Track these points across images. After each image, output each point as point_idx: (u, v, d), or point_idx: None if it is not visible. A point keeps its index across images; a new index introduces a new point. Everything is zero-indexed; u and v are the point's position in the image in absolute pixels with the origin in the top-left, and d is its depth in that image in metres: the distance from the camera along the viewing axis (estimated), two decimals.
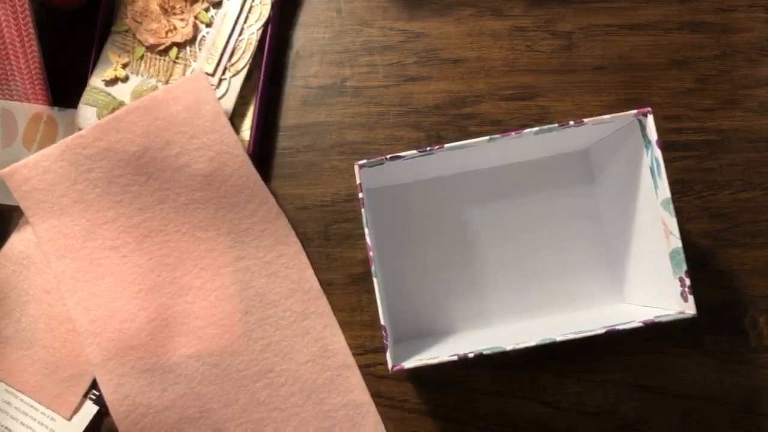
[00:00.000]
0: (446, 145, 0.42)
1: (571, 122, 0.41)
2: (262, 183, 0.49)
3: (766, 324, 0.49)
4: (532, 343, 0.40)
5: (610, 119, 0.41)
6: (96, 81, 0.50)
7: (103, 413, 0.49)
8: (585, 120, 0.41)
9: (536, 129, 0.41)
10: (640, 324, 0.40)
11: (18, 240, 0.50)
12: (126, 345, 0.47)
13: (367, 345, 0.49)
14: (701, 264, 0.50)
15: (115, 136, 0.48)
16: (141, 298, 0.48)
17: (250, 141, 0.50)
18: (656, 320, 0.40)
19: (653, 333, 0.49)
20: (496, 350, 0.40)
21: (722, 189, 0.51)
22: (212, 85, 0.50)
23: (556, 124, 0.41)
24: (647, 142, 0.41)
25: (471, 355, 0.42)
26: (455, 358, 0.41)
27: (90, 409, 0.48)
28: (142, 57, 0.51)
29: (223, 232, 0.49)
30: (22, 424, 0.48)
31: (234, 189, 0.49)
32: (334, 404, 0.48)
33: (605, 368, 0.49)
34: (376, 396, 0.49)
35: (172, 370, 0.47)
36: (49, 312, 0.49)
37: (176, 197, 0.49)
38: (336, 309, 0.50)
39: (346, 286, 0.50)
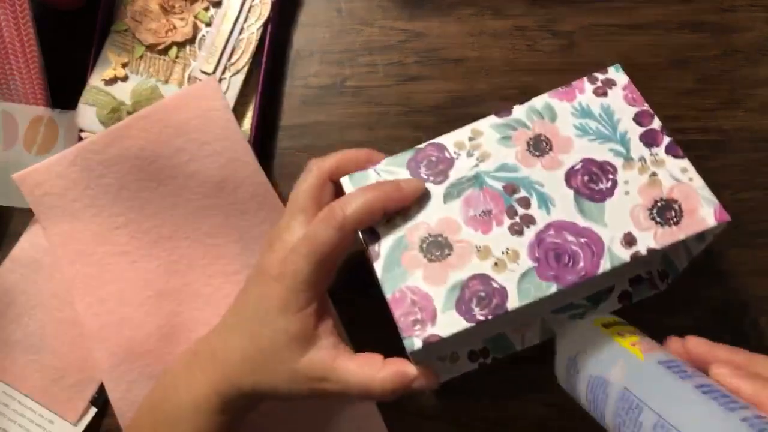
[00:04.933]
0: (509, 307, 0.35)
1: (644, 252, 0.36)
2: (273, 190, 0.49)
3: (767, 325, 0.49)
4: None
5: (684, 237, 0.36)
6: (96, 80, 0.50)
7: (102, 415, 0.49)
8: (658, 248, 0.36)
9: (609, 267, 0.35)
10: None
11: (27, 243, 0.49)
12: (134, 351, 0.47)
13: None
14: (701, 264, 0.50)
15: (127, 142, 0.48)
16: (150, 305, 0.48)
17: (250, 141, 0.50)
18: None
19: (654, 333, 0.49)
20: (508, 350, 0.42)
21: (723, 189, 0.51)
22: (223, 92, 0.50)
23: (629, 258, 0.35)
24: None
25: (489, 362, 0.43)
26: (476, 365, 0.42)
27: (89, 411, 0.48)
28: (141, 56, 0.51)
29: (233, 239, 0.49)
30: (20, 426, 0.48)
31: (245, 196, 0.49)
32: (337, 407, 0.48)
33: None
34: None
35: None
36: (57, 317, 0.48)
37: (186, 204, 0.49)
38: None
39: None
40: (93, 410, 0.48)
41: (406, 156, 0.40)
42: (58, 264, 0.49)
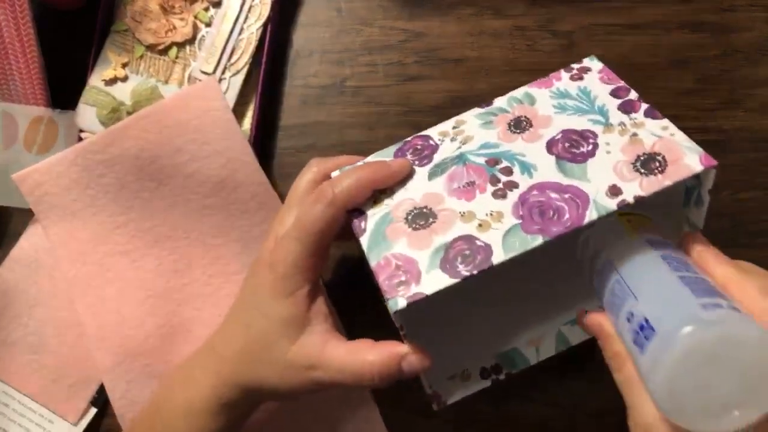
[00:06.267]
0: (495, 261, 0.34)
1: (630, 200, 0.35)
2: (273, 190, 0.49)
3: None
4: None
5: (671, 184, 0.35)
6: (95, 80, 0.50)
7: (102, 415, 0.49)
8: (645, 195, 0.35)
9: (595, 216, 0.34)
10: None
11: (27, 243, 0.49)
12: (134, 351, 0.47)
13: None
14: None
15: (127, 142, 0.48)
16: (150, 305, 0.48)
17: (250, 141, 0.50)
18: None
19: None
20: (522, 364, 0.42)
21: (722, 189, 0.51)
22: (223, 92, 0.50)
23: (615, 207, 0.34)
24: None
25: (502, 377, 0.42)
26: (489, 383, 0.42)
27: (89, 411, 0.48)
28: (141, 56, 0.51)
29: (233, 239, 0.49)
30: (20, 426, 0.48)
31: (245, 196, 0.49)
32: (337, 407, 0.48)
33: (606, 368, 0.49)
34: (375, 397, 0.48)
35: None
36: (56, 316, 0.48)
37: (186, 203, 0.49)
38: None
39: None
40: (93, 410, 0.48)
41: (393, 148, 0.41)
42: (58, 264, 0.49)
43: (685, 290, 0.31)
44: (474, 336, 0.44)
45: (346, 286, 0.50)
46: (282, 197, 0.50)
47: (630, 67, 0.53)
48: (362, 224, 0.37)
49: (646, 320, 0.31)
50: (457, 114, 0.53)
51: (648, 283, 0.33)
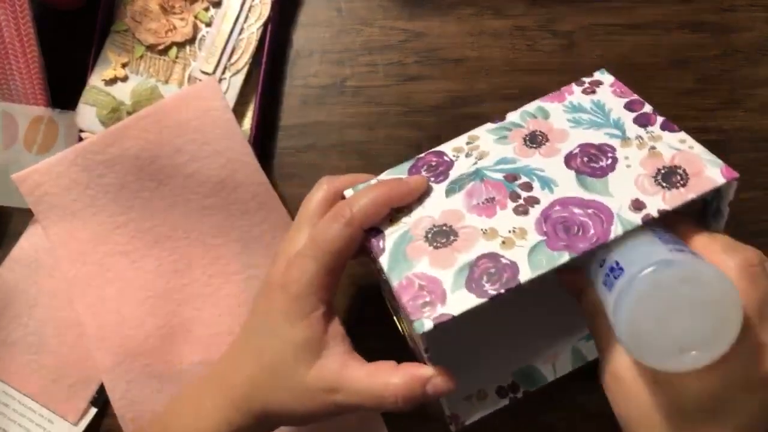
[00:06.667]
0: (522, 279, 0.33)
1: (654, 214, 0.34)
2: (273, 190, 0.49)
3: None
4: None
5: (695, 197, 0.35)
6: (96, 80, 0.50)
7: (102, 415, 0.49)
8: (669, 208, 0.35)
9: (621, 231, 0.34)
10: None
11: (27, 243, 0.49)
12: (134, 351, 0.47)
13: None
14: None
15: (127, 142, 0.48)
16: (149, 305, 0.48)
17: (250, 141, 0.50)
18: None
19: None
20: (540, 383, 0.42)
21: None
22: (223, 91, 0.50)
23: (640, 221, 0.34)
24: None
25: (520, 396, 0.42)
26: (507, 401, 0.41)
27: (89, 411, 0.48)
28: (141, 56, 0.51)
29: (233, 239, 0.49)
30: (20, 426, 0.48)
31: (245, 196, 0.49)
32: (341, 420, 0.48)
33: None
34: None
35: (181, 378, 0.47)
36: (56, 316, 0.48)
37: (186, 203, 0.49)
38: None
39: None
40: (93, 410, 0.48)
41: (406, 165, 0.40)
42: (58, 264, 0.49)
43: (655, 239, 0.33)
44: (489, 354, 0.44)
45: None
46: (282, 197, 0.50)
47: (630, 67, 0.53)
48: (380, 243, 0.37)
49: (617, 263, 0.33)
50: (457, 113, 0.53)
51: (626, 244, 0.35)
